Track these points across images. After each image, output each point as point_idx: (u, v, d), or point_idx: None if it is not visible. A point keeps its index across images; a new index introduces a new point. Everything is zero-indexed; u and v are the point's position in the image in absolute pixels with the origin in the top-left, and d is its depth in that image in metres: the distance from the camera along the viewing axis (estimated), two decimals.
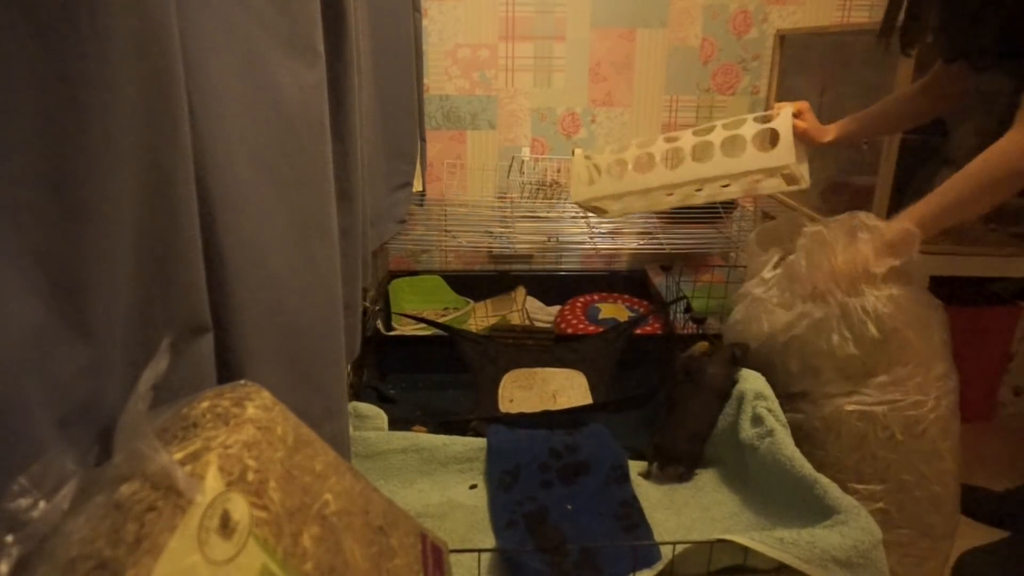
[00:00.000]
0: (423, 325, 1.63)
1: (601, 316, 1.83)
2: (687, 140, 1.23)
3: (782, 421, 1.04)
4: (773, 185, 1.26)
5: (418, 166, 1.68)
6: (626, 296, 1.93)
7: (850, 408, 1.08)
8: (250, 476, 0.46)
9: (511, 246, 1.77)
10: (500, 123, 1.95)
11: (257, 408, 0.51)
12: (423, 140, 1.79)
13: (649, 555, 0.85)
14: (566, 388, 1.50)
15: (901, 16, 1.04)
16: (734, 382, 1.15)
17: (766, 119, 1.19)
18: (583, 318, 1.81)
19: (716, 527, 0.98)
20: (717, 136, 1.19)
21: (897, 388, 1.07)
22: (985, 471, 1.48)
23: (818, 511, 0.89)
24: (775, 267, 1.23)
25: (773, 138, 1.18)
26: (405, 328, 1.73)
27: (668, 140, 1.26)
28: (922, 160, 1.50)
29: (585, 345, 1.57)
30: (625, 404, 1.33)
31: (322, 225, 0.78)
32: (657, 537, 0.94)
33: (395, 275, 1.92)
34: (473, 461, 1.11)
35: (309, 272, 0.74)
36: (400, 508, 0.66)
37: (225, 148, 0.58)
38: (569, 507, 1.00)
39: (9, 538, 0.37)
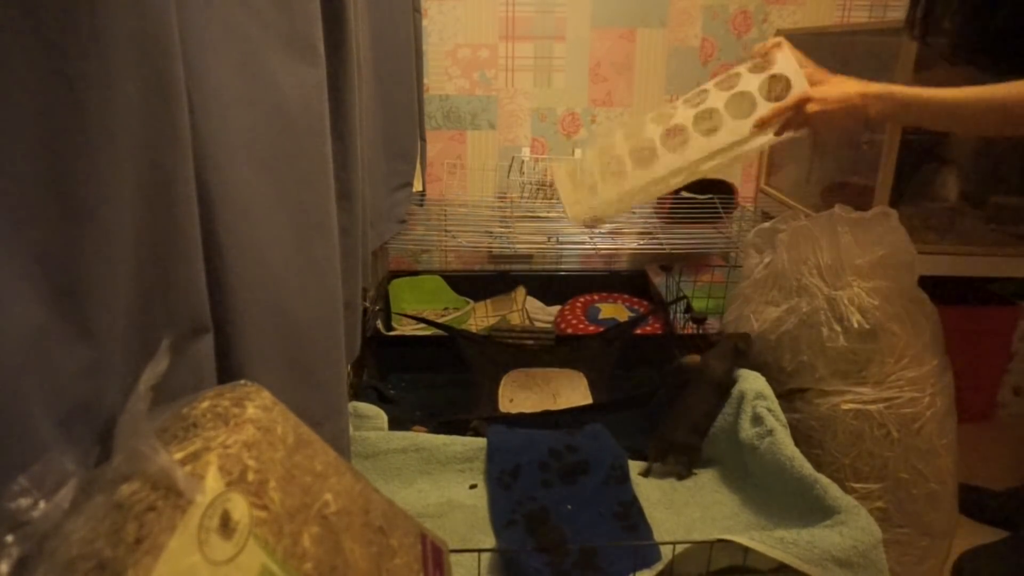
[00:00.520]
0: (423, 325, 1.63)
1: (601, 316, 1.83)
2: (684, 114, 1.08)
3: (782, 421, 1.04)
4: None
5: (418, 166, 1.68)
6: (626, 296, 1.93)
7: (846, 407, 1.08)
8: (250, 476, 0.46)
9: (511, 246, 1.76)
10: (500, 123, 1.95)
11: (257, 408, 0.51)
12: (423, 140, 1.79)
13: (649, 555, 0.85)
14: (566, 388, 1.50)
15: (920, 6, 1.02)
16: (734, 376, 1.14)
17: (762, 66, 1.07)
18: (583, 318, 1.81)
19: (716, 527, 0.98)
20: (718, 100, 1.07)
21: (891, 385, 1.07)
22: (985, 471, 1.48)
23: (818, 511, 0.89)
24: (766, 267, 1.24)
25: (777, 84, 1.07)
26: (405, 328, 1.73)
27: (660, 120, 1.11)
28: (922, 160, 1.50)
29: (585, 345, 1.57)
30: (625, 404, 1.33)
31: (322, 225, 0.78)
32: (657, 537, 0.94)
33: (395, 275, 1.92)
34: (473, 461, 1.11)
35: (309, 272, 0.74)
36: (400, 508, 0.66)
37: (225, 148, 0.58)
38: (569, 507, 1.00)
39: (9, 538, 0.37)
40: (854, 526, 0.82)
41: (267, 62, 0.66)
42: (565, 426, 1.17)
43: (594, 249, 1.96)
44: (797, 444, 1.00)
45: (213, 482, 0.43)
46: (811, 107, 0.98)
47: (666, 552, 0.84)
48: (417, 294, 1.90)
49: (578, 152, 1.90)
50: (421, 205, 1.86)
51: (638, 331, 1.64)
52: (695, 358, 1.25)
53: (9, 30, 0.36)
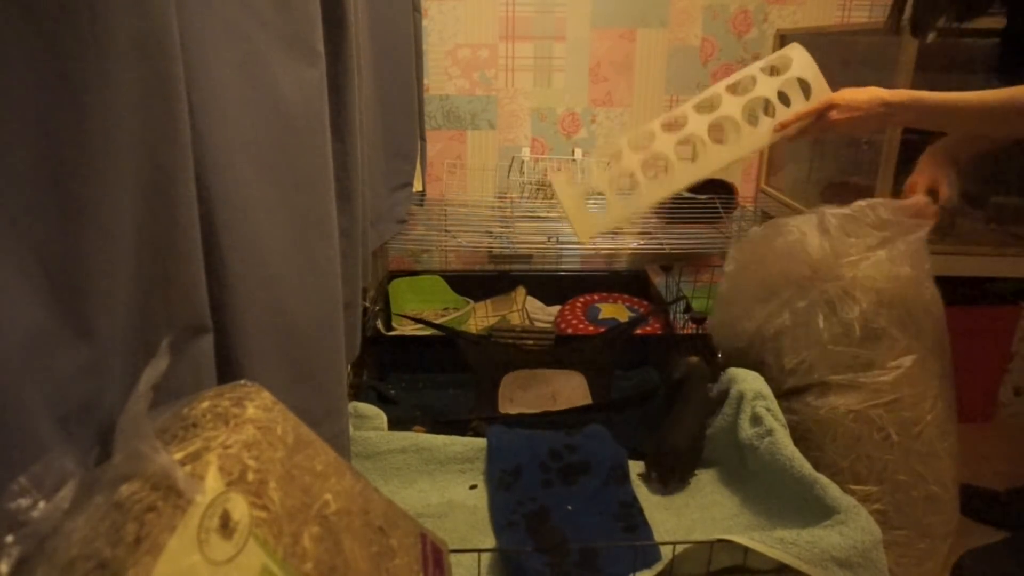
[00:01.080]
0: (423, 325, 1.63)
1: (601, 316, 1.82)
2: (698, 123, 1.06)
3: (781, 421, 1.04)
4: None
5: (418, 166, 1.68)
6: (626, 296, 1.93)
7: (845, 410, 1.07)
8: (250, 476, 0.46)
9: (511, 246, 1.76)
10: (500, 123, 1.95)
11: (257, 408, 0.51)
12: (423, 140, 1.79)
13: (649, 555, 0.85)
14: (566, 389, 1.50)
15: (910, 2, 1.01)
16: (717, 391, 1.15)
17: (777, 68, 1.05)
18: (583, 318, 1.81)
19: (716, 527, 0.98)
20: (733, 107, 1.04)
21: (892, 387, 1.06)
22: (985, 471, 1.48)
23: (818, 511, 0.89)
24: (750, 268, 1.23)
25: (796, 87, 1.06)
26: (405, 328, 1.73)
27: (671, 128, 1.08)
28: None
29: (585, 345, 1.57)
30: (625, 404, 1.33)
31: (322, 225, 0.78)
32: (657, 537, 0.94)
33: (395, 275, 1.92)
34: (473, 461, 1.11)
35: (309, 272, 0.74)
36: (400, 508, 0.66)
37: (225, 148, 0.58)
38: (569, 507, 1.00)
39: (9, 538, 0.37)
40: (854, 526, 0.82)
41: (267, 62, 0.66)
42: (565, 427, 1.17)
43: (594, 249, 1.96)
44: (795, 446, 1.00)
45: (213, 482, 0.43)
46: (835, 114, 0.97)
47: (666, 552, 0.84)
48: (417, 294, 1.90)
49: (578, 152, 1.90)
50: (421, 205, 1.86)
51: (638, 331, 1.63)
52: (695, 360, 1.25)
53: (9, 30, 0.36)
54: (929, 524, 1.08)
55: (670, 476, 1.07)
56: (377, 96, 1.31)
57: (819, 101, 0.99)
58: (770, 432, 1.02)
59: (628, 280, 1.99)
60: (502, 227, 1.77)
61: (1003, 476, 1.48)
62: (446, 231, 1.79)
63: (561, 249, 2.01)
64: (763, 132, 1.03)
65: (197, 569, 0.40)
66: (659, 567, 0.82)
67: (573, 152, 1.92)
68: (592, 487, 1.04)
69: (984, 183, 1.53)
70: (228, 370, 0.60)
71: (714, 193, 1.74)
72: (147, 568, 0.38)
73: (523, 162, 1.90)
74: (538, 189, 1.88)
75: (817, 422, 1.10)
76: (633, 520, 0.97)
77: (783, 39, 1.82)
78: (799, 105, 1.03)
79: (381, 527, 0.60)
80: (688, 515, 1.01)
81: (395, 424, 1.18)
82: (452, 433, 1.15)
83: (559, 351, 1.55)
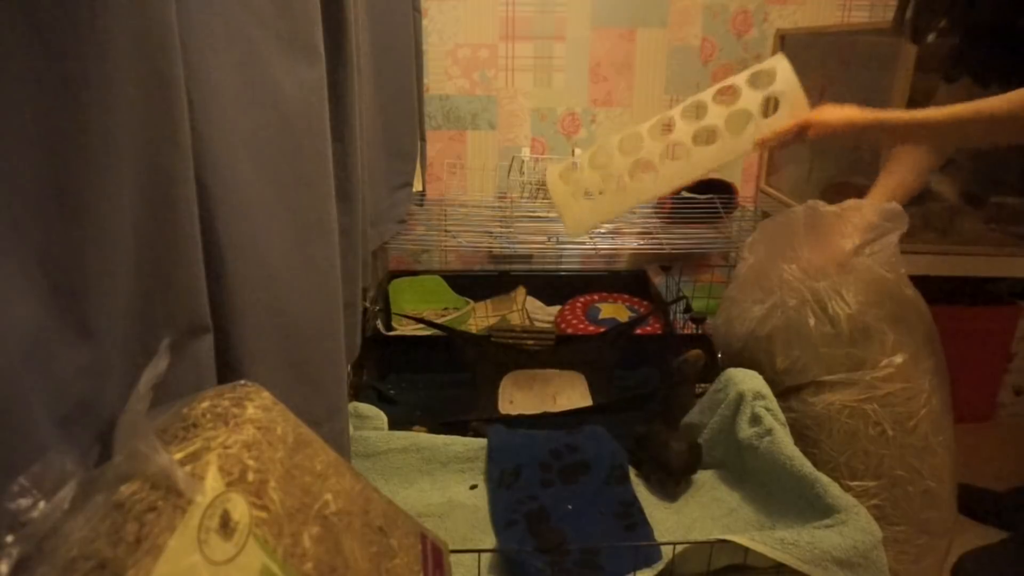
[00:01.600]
0: (423, 325, 1.63)
1: (601, 316, 1.82)
2: (684, 130, 1.11)
3: (781, 420, 1.05)
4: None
5: (418, 166, 1.68)
6: (626, 296, 1.93)
7: (840, 405, 1.08)
8: (250, 476, 0.46)
9: (511, 246, 1.76)
10: (500, 123, 1.95)
11: (257, 408, 0.51)
12: (423, 140, 1.79)
13: (649, 555, 0.85)
14: (566, 389, 1.50)
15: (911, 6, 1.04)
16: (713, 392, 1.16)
17: (763, 80, 1.09)
18: (583, 318, 1.81)
19: (716, 526, 0.98)
20: (718, 116, 1.10)
21: (886, 382, 1.07)
22: (985, 471, 1.48)
23: (818, 510, 0.89)
24: (750, 268, 1.25)
25: (777, 101, 1.09)
26: (405, 328, 1.73)
27: (659, 132, 1.13)
28: None
29: (585, 346, 1.57)
30: (625, 405, 1.33)
31: (322, 225, 0.78)
32: (657, 536, 0.94)
33: (395, 275, 1.92)
34: (474, 461, 1.11)
35: (309, 272, 0.74)
36: (400, 508, 0.66)
37: (225, 148, 0.58)
38: (570, 507, 1.00)
39: (9, 538, 0.37)
40: (854, 526, 0.82)
41: (267, 62, 0.66)
42: (565, 427, 1.17)
43: (594, 249, 1.96)
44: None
45: (213, 482, 0.43)
46: (811, 132, 1.03)
47: (666, 551, 0.84)
48: (417, 294, 1.89)
49: (578, 151, 1.90)
50: (421, 205, 1.86)
51: (638, 331, 1.63)
52: (697, 352, 1.26)
53: (9, 30, 0.36)
54: (926, 520, 1.08)
55: (669, 483, 1.07)
56: (377, 96, 1.31)
57: (797, 119, 1.05)
58: (770, 432, 1.02)
59: (628, 280, 1.99)
60: (502, 227, 1.77)
61: (1003, 476, 1.48)
62: (446, 231, 1.79)
63: (561, 249, 2.01)
64: (744, 140, 1.09)
65: (197, 569, 0.40)
66: (660, 566, 0.82)
67: (573, 152, 1.92)
68: (592, 486, 1.04)
69: (984, 183, 1.53)
70: (228, 370, 0.60)
71: (714, 193, 1.74)
72: (147, 568, 0.38)
73: (523, 162, 1.90)
74: (538, 189, 1.88)
75: (813, 418, 1.10)
76: (633, 519, 0.98)
77: (783, 39, 1.82)
78: (780, 115, 1.09)
79: (381, 527, 0.60)
80: (688, 513, 1.01)
81: (395, 424, 1.18)
82: (452, 434, 1.15)
83: (559, 351, 1.55)
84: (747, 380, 1.11)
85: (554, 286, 1.95)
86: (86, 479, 0.41)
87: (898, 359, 1.07)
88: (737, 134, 1.09)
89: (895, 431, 1.06)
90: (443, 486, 1.07)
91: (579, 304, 1.88)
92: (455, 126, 1.94)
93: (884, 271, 1.09)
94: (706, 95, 1.13)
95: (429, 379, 1.55)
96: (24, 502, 0.37)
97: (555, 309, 1.90)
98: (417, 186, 1.67)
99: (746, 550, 0.79)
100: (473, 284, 1.94)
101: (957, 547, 1.20)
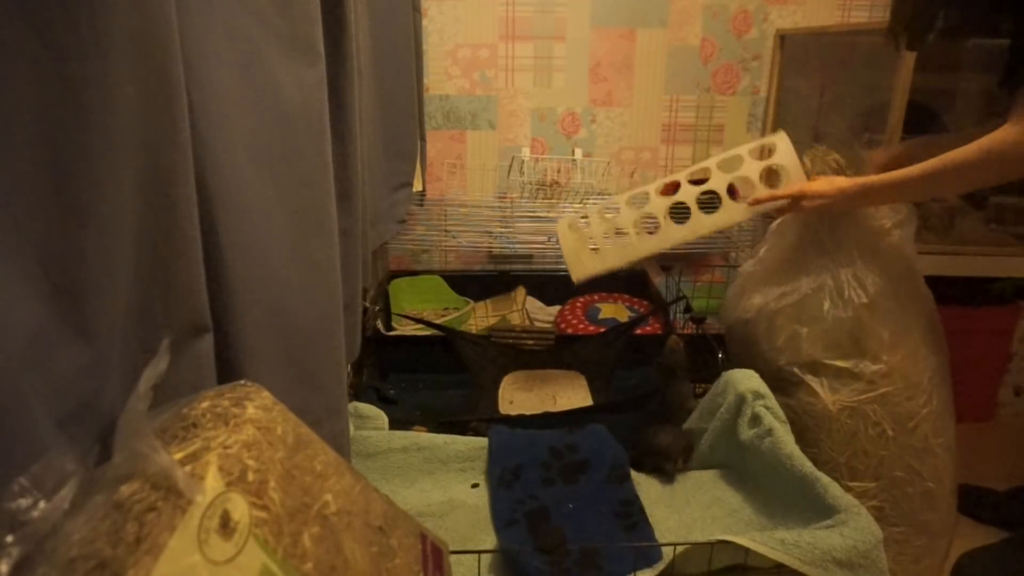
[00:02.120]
0: (423, 325, 1.63)
1: (601, 316, 1.82)
2: (688, 192, 1.22)
3: (781, 419, 1.04)
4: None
5: (418, 166, 1.68)
6: (626, 296, 1.93)
7: (840, 405, 1.08)
8: (250, 476, 0.46)
9: (511, 246, 1.76)
10: (500, 123, 1.95)
11: (257, 408, 0.51)
12: (423, 140, 1.79)
13: (650, 554, 0.85)
14: (566, 389, 1.50)
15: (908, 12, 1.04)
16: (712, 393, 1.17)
17: (764, 151, 1.20)
18: (583, 318, 1.81)
19: (717, 525, 0.98)
20: (719, 184, 1.21)
21: (884, 378, 1.07)
22: (985, 471, 1.48)
23: (819, 509, 0.89)
24: (768, 251, 1.26)
25: (775, 173, 1.20)
26: (405, 328, 1.72)
27: (664, 192, 1.24)
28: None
29: (585, 346, 1.57)
30: (625, 405, 1.33)
31: (322, 225, 0.78)
32: (658, 536, 0.94)
33: (395, 275, 1.92)
34: (474, 460, 1.11)
35: (309, 272, 0.74)
36: (400, 508, 0.66)
37: (225, 148, 0.58)
38: (570, 506, 1.00)
39: (9, 538, 0.37)
40: (855, 527, 0.82)
41: (267, 62, 0.66)
42: (565, 427, 1.17)
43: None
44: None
45: (213, 482, 0.43)
46: (807, 203, 1.11)
47: (667, 551, 0.84)
48: (417, 294, 1.89)
49: (578, 152, 1.90)
50: (421, 205, 1.86)
51: (638, 331, 1.63)
52: (675, 340, 1.29)
53: (9, 30, 0.36)
54: (926, 521, 1.08)
55: (666, 466, 1.08)
56: (377, 96, 1.32)
57: (793, 189, 1.13)
58: (770, 431, 1.02)
59: (628, 280, 1.99)
60: (502, 227, 1.77)
61: (1003, 476, 1.48)
62: (446, 231, 1.79)
63: (561, 249, 2.01)
64: (742, 207, 1.20)
65: (197, 569, 0.40)
66: (660, 566, 0.82)
67: (573, 152, 1.92)
68: (593, 485, 1.04)
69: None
70: (228, 370, 0.60)
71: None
72: (147, 568, 0.38)
73: (523, 162, 1.90)
74: (538, 189, 1.88)
75: (813, 418, 1.10)
76: (634, 518, 0.97)
77: (783, 39, 1.82)
78: (778, 187, 1.18)
79: (381, 527, 0.60)
80: (689, 513, 1.01)
81: (395, 424, 1.18)
82: (452, 434, 1.15)
83: (559, 351, 1.55)
84: (746, 381, 1.11)
85: (554, 286, 1.95)
86: (86, 479, 0.41)
87: (899, 352, 1.07)
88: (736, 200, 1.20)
89: (895, 431, 1.06)
90: (444, 485, 1.07)
91: (579, 304, 1.88)
92: (455, 126, 1.94)
93: (901, 262, 1.11)
94: (711, 162, 1.23)
95: (429, 379, 1.55)
96: (24, 502, 0.37)
97: (555, 309, 1.90)
98: (417, 186, 1.67)
99: (747, 550, 0.79)
100: (473, 284, 1.94)
101: (957, 547, 1.20)
